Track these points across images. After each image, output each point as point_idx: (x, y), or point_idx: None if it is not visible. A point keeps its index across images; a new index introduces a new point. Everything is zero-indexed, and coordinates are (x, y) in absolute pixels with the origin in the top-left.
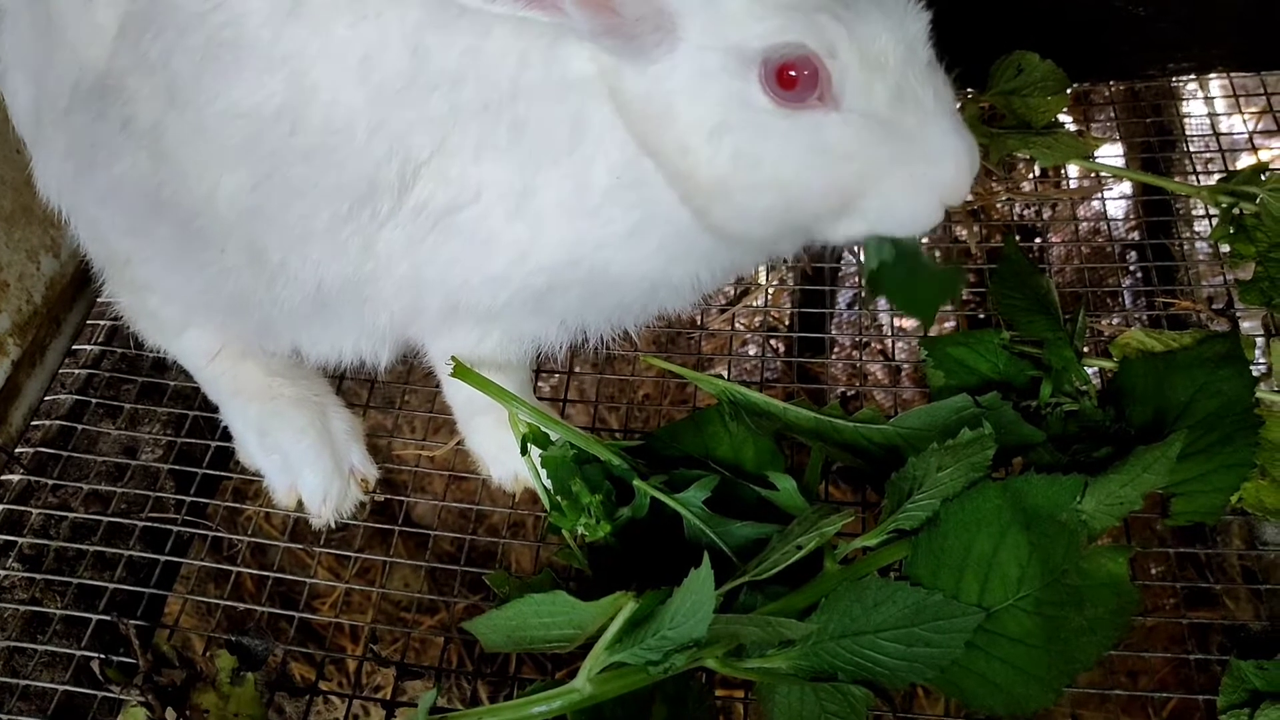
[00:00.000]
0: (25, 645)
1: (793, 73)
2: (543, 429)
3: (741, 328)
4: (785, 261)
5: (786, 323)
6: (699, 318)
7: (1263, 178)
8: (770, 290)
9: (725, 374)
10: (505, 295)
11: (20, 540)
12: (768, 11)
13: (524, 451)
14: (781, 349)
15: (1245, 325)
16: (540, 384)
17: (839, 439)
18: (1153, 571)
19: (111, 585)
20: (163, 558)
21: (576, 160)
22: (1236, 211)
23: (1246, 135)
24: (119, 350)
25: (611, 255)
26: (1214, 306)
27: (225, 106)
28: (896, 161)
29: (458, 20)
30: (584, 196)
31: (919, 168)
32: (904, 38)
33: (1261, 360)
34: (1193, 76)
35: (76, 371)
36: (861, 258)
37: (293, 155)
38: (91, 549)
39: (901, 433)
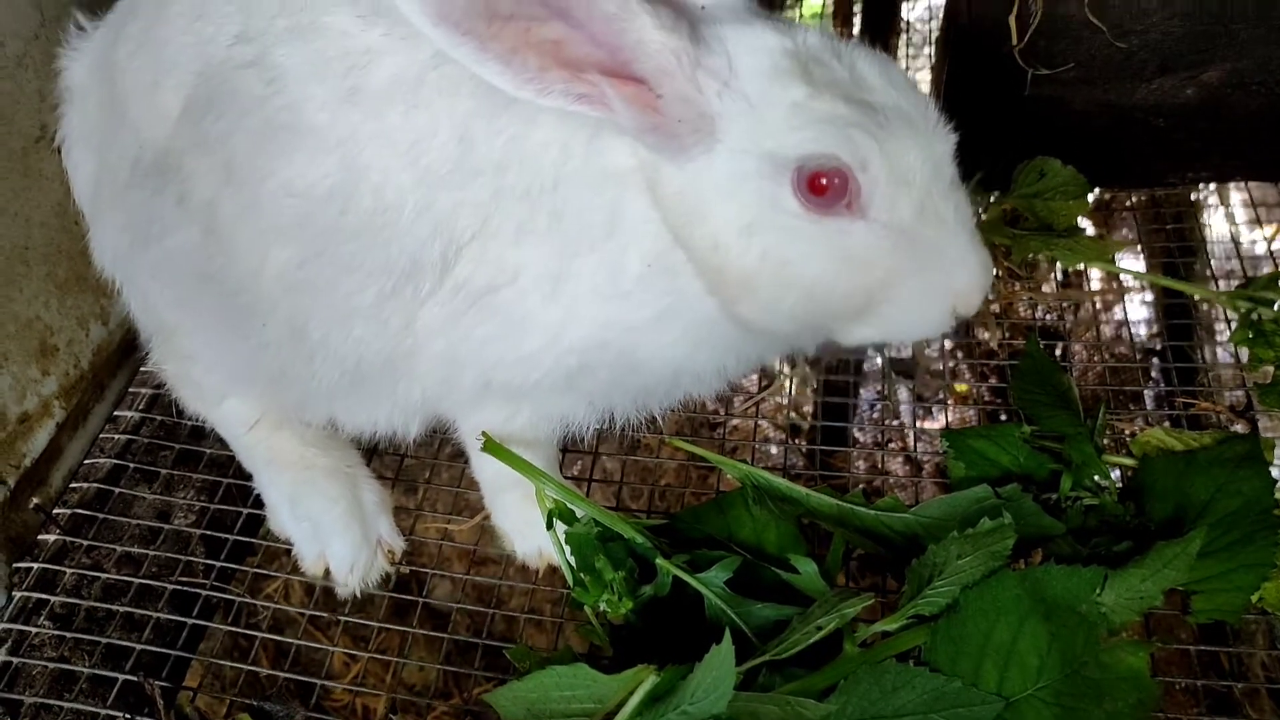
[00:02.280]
0: (52, 702)
1: (824, 181)
2: (568, 505)
3: (764, 423)
4: (807, 357)
5: (809, 417)
6: (721, 409)
7: None
8: (793, 384)
9: (749, 461)
10: (537, 374)
11: (52, 599)
12: (805, 123)
13: (549, 527)
14: (804, 446)
15: (1265, 428)
16: (564, 470)
17: (860, 525)
18: (1175, 677)
19: (139, 646)
20: (190, 621)
21: (612, 247)
22: (1255, 317)
23: (1266, 246)
24: (159, 417)
25: (639, 338)
26: (1234, 410)
27: (279, 185)
28: (914, 270)
29: (505, 111)
30: (617, 281)
31: (934, 276)
32: (931, 156)
33: None
34: (1213, 188)
35: (116, 436)
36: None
37: (342, 234)
38: (121, 610)
39: (922, 521)
